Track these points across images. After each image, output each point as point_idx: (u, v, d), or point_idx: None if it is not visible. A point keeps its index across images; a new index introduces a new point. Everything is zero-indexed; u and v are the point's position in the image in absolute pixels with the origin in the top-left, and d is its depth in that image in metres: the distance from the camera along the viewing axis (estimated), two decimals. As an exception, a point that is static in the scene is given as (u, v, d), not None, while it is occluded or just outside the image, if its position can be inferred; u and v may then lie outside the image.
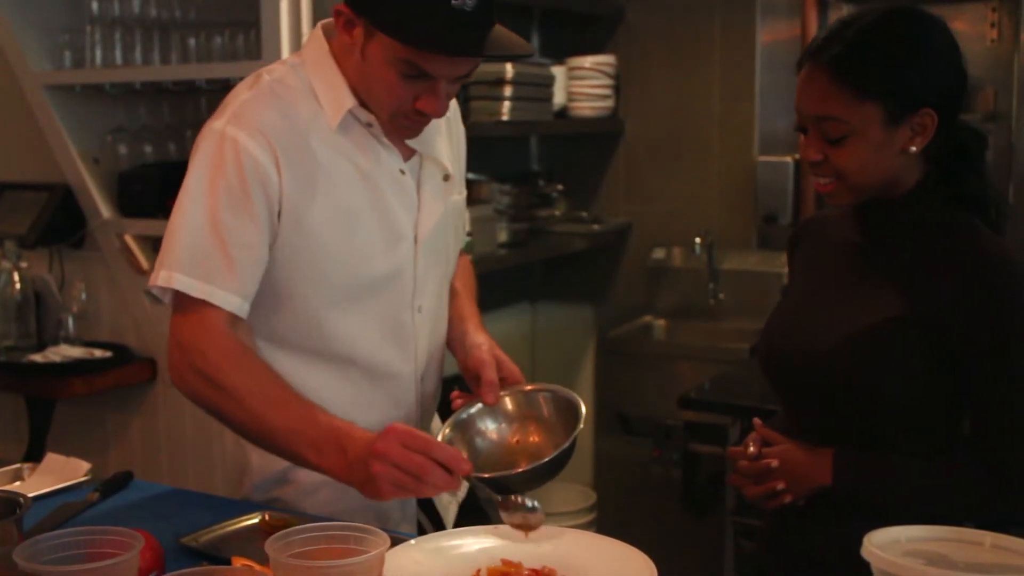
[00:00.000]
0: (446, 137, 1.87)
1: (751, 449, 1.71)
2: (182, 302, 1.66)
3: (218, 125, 1.67)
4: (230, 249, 1.64)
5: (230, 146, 1.65)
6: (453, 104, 1.90)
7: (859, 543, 1.29)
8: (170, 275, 1.64)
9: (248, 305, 1.68)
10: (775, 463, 1.68)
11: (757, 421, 1.77)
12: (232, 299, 1.65)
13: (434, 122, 1.77)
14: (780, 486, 1.67)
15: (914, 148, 1.62)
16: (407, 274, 1.78)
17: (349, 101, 1.69)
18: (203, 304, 1.64)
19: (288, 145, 1.67)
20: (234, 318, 1.67)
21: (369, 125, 1.72)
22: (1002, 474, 1.60)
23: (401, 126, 1.70)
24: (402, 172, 1.76)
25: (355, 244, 1.72)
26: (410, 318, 1.80)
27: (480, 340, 1.85)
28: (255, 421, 1.63)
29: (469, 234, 2.14)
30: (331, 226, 1.70)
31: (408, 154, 1.78)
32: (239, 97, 1.70)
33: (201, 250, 1.64)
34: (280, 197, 1.67)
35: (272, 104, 1.68)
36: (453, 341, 1.91)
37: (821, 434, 1.69)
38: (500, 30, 1.63)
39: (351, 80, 1.69)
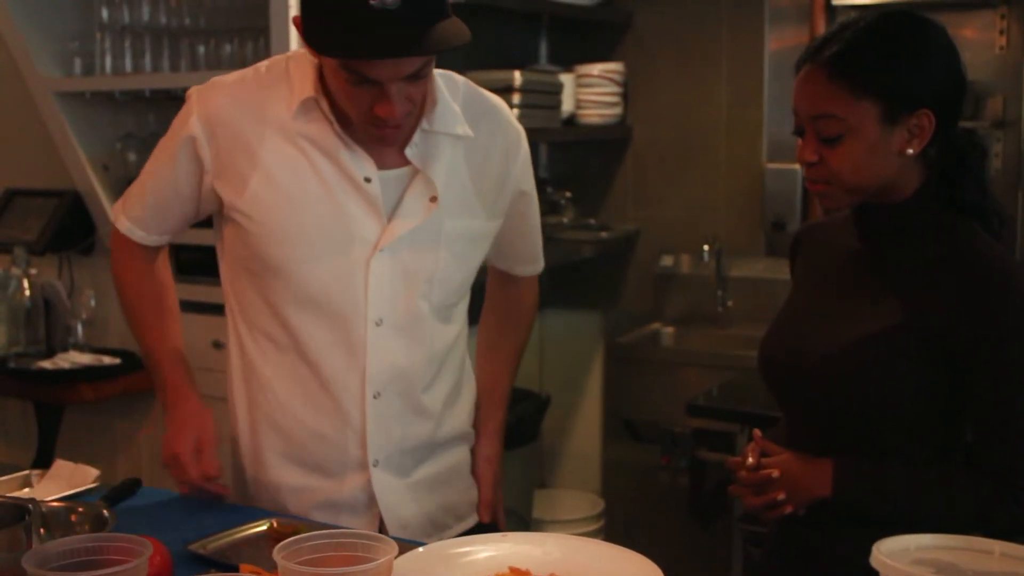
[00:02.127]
0: (473, 165, 1.82)
1: (750, 460, 1.71)
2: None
3: (192, 92, 1.84)
4: (145, 188, 1.90)
5: (184, 115, 1.82)
6: (507, 136, 1.87)
7: (862, 552, 1.29)
8: (114, 212, 1.98)
9: (153, 237, 1.93)
10: (775, 473, 1.67)
11: (756, 432, 1.76)
12: (132, 228, 1.91)
13: (452, 148, 1.78)
14: (780, 496, 1.67)
15: (911, 150, 1.61)
16: (358, 282, 1.75)
17: (310, 91, 1.71)
18: (115, 232, 1.95)
19: (235, 125, 1.76)
20: (139, 247, 1.94)
21: (332, 122, 1.72)
22: (1003, 483, 1.59)
23: (373, 136, 1.69)
24: (367, 180, 1.74)
25: (297, 233, 1.74)
26: (362, 330, 1.77)
27: (490, 453, 2.04)
28: (132, 331, 2.01)
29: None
30: (265, 208, 1.74)
31: (397, 161, 1.76)
32: (223, 78, 1.84)
33: (134, 195, 1.93)
34: (211, 168, 1.79)
35: (242, 87, 1.79)
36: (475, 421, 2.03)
37: (821, 443, 1.68)
38: (446, 25, 1.58)
39: (326, 82, 1.71)
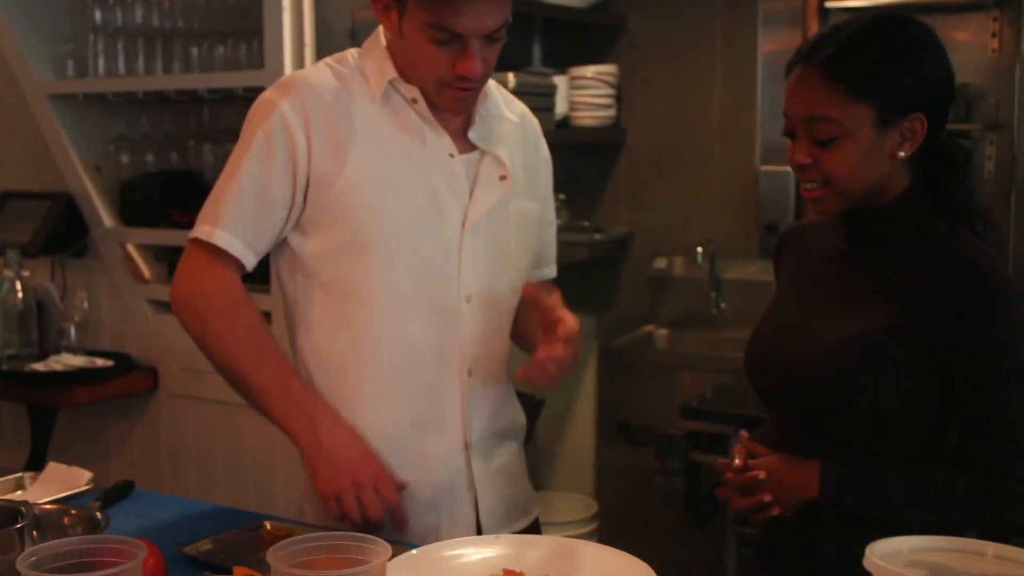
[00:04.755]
0: (521, 149, 1.92)
1: (736, 462, 1.71)
2: (198, 243, 1.80)
3: (266, 93, 1.81)
4: (247, 200, 1.76)
5: (266, 107, 1.78)
6: (534, 127, 1.98)
7: (850, 554, 1.29)
8: (198, 226, 1.79)
9: (254, 257, 1.79)
10: (762, 475, 1.67)
11: (743, 433, 1.76)
12: (237, 244, 1.76)
13: (508, 131, 1.88)
14: (767, 498, 1.67)
15: (903, 153, 1.62)
16: (452, 258, 1.79)
17: (391, 73, 1.78)
18: (214, 247, 1.77)
19: (325, 113, 1.77)
20: (240, 264, 1.79)
21: (414, 101, 1.79)
22: (990, 483, 1.59)
23: (450, 98, 1.76)
24: (451, 156, 1.81)
25: (397, 214, 1.77)
26: (456, 306, 1.80)
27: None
28: (235, 370, 1.78)
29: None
30: (362, 191, 1.76)
31: (466, 147, 1.84)
32: (296, 72, 1.87)
33: (223, 201, 1.77)
34: (308, 163, 1.76)
35: (320, 79, 1.81)
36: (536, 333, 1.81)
37: (808, 445, 1.69)
38: None
39: (399, 65, 1.79)
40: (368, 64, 1.81)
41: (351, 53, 1.86)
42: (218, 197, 1.78)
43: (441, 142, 1.80)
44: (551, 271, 2.08)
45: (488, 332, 1.85)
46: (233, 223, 1.76)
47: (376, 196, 1.76)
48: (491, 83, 1.88)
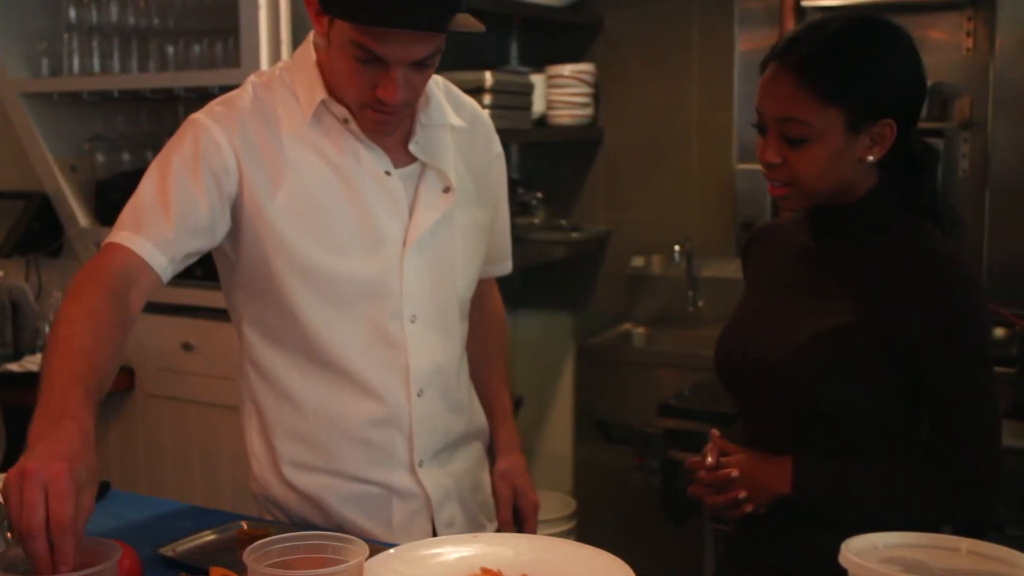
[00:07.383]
0: (468, 155, 1.86)
1: (709, 460, 1.72)
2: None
3: (195, 115, 1.74)
4: (171, 211, 1.66)
5: (195, 128, 1.71)
6: (486, 126, 1.93)
7: (822, 550, 1.29)
8: (114, 233, 1.66)
9: (169, 267, 1.66)
10: (735, 472, 1.68)
11: (714, 432, 1.77)
12: (147, 246, 1.63)
13: (452, 139, 1.81)
14: (742, 495, 1.68)
15: (871, 157, 1.63)
16: (393, 279, 1.75)
17: (321, 94, 1.72)
18: (117, 247, 1.63)
19: (255, 139, 1.72)
20: (140, 273, 1.62)
21: (346, 121, 1.72)
22: (960, 478, 1.61)
23: (370, 119, 1.70)
24: (387, 174, 1.75)
25: (328, 239, 1.72)
26: (399, 328, 1.76)
27: (505, 468, 1.99)
28: (47, 351, 1.51)
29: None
30: (295, 218, 1.71)
31: (406, 160, 1.78)
32: (224, 95, 1.78)
33: (144, 212, 1.66)
34: (240, 187, 1.71)
35: (249, 101, 1.75)
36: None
37: (779, 441, 1.69)
38: (465, 16, 1.60)
39: (326, 76, 1.72)
40: (298, 84, 1.74)
41: (279, 68, 1.80)
42: (142, 207, 1.67)
43: (376, 160, 1.74)
44: (505, 268, 2.05)
45: (440, 351, 1.82)
46: (165, 239, 1.64)
47: (309, 221, 1.71)
48: (435, 86, 1.82)
